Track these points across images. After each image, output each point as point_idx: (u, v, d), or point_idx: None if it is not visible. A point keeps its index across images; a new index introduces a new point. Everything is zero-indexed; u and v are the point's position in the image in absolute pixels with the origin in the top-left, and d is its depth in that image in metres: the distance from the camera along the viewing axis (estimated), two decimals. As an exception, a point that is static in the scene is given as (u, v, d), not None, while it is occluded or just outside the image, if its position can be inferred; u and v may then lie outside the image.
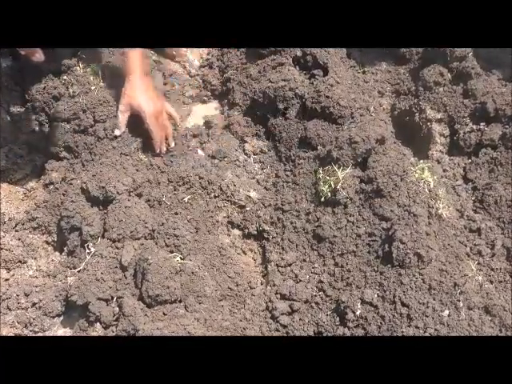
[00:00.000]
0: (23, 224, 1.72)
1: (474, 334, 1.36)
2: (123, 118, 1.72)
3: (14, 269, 1.65)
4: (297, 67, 1.92)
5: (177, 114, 1.86)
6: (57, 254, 1.70)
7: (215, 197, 1.74)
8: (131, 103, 1.68)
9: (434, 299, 1.39)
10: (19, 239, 1.69)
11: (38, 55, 1.58)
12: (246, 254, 1.73)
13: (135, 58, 1.67)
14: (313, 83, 1.82)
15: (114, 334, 1.43)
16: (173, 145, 1.79)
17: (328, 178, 1.63)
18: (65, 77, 1.77)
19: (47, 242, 1.72)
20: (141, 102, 1.67)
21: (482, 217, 1.68)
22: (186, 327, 1.38)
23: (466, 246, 1.61)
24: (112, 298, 1.48)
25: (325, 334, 1.48)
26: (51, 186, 1.77)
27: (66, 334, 1.54)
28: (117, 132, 1.72)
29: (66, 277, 1.58)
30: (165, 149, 1.77)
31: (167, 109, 1.79)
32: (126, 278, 1.50)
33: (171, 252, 1.53)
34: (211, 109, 2.15)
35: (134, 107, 1.68)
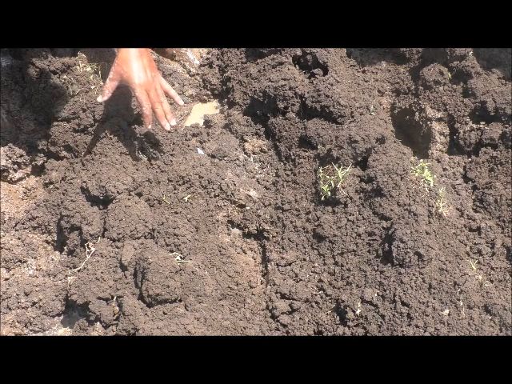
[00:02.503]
0: (23, 223, 1.72)
1: (474, 334, 1.36)
2: (110, 85, 1.61)
3: (13, 268, 1.65)
4: (297, 66, 1.92)
5: (174, 91, 1.74)
6: (57, 253, 1.70)
7: (215, 196, 1.74)
8: (121, 72, 1.57)
9: (434, 298, 1.39)
10: (19, 238, 1.69)
11: None
12: (246, 254, 1.73)
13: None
14: (313, 82, 1.82)
15: (114, 334, 1.43)
16: (174, 123, 1.69)
17: (328, 177, 1.64)
18: (65, 76, 1.77)
19: (47, 242, 1.72)
20: (131, 72, 1.57)
21: (481, 216, 1.68)
22: (186, 326, 1.38)
23: (465, 245, 1.61)
24: (112, 297, 1.48)
25: (325, 334, 1.48)
26: (51, 186, 1.77)
27: (66, 334, 1.54)
28: (99, 99, 1.63)
29: (66, 276, 1.59)
30: (168, 126, 1.68)
31: (162, 84, 1.68)
32: (126, 277, 1.50)
33: (171, 251, 1.53)
34: (211, 108, 2.16)
35: (124, 77, 1.58)
